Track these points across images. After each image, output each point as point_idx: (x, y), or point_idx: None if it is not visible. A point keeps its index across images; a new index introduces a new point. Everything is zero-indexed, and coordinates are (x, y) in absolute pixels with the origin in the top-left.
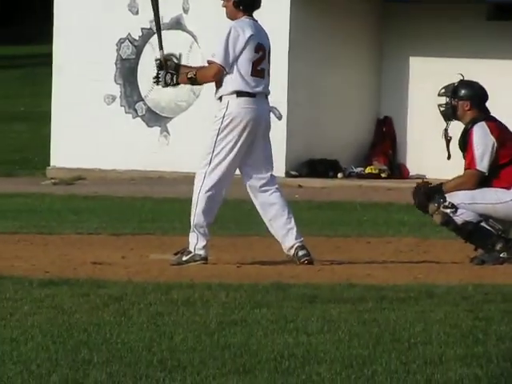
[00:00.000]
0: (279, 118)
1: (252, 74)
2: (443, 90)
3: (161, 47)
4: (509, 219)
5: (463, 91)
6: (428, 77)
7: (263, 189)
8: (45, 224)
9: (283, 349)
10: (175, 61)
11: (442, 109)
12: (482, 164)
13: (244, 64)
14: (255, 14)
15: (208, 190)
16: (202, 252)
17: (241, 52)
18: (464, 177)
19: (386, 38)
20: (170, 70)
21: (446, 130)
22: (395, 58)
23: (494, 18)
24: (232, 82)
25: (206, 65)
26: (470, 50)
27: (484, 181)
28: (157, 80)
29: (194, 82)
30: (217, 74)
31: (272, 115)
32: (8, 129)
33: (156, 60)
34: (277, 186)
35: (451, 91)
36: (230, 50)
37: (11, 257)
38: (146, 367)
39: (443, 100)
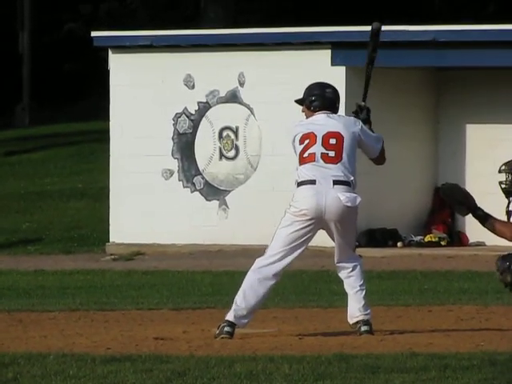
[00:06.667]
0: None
1: (300, 164)
2: (504, 167)
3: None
4: None
5: None
6: (485, 144)
7: (346, 273)
8: (106, 300)
9: None
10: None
11: (504, 186)
12: None
13: (297, 158)
14: None
15: (258, 266)
16: (226, 327)
17: (295, 150)
18: None
19: (442, 107)
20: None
21: (509, 209)
22: (452, 126)
23: None
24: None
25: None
26: None
27: None
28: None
29: None
30: None
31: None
32: (65, 206)
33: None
34: (357, 263)
35: None
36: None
37: (72, 334)
38: None
39: (504, 177)
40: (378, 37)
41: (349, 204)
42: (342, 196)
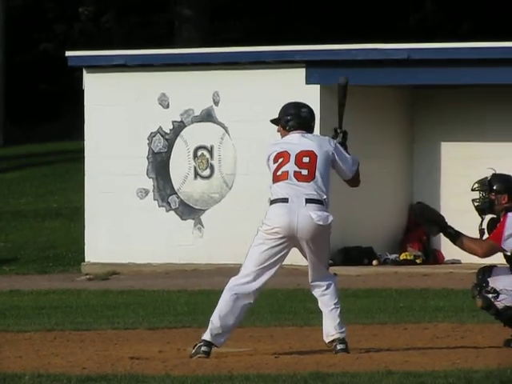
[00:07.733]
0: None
1: (274, 182)
2: (477, 185)
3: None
4: None
5: (499, 185)
6: (460, 162)
7: (320, 292)
8: (81, 320)
9: None
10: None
11: (477, 204)
12: (507, 244)
13: (271, 176)
14: None
15: (233, 285)
16: (202, 346)
17: (270, 168)
18: (483, 243)
19: (416, 125)
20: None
21: (482, 227)
22: (427, 144)
23: None
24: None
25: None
26: (499, 134)
27: None
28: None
29: None
30: None
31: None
32: (40, 226)
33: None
34: (331, 282)
35: (487, 186)
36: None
37: (48, 354)
38: None
39: (477, 195)
40: (345, 88)
41: (320, 223)
42: (314, 215)
